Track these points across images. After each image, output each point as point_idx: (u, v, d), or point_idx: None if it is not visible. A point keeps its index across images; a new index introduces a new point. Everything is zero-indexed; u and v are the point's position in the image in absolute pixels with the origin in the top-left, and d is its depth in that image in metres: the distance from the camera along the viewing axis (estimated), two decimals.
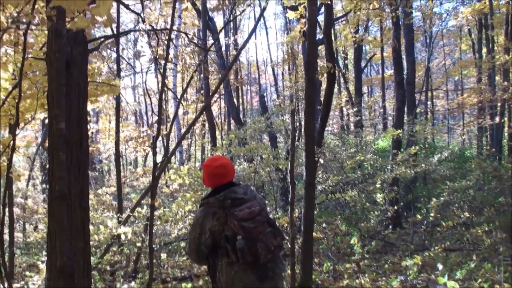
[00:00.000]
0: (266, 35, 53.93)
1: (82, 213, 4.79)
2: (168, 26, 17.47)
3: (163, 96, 23.94)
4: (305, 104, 6.29)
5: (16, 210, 15.71)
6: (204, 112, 18.07)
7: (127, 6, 6.22)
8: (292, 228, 6.10)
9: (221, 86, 17.91)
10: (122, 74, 27.46)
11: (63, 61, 3.82)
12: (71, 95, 4.57)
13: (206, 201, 3.69)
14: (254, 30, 8.31)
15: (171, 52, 17.11)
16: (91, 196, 15.99)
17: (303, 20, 7.94)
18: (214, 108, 29.76)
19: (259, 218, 3.58)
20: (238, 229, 3.46)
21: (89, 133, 23.40)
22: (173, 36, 17.74)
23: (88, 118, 23.44)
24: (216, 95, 27.44)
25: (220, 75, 18.97)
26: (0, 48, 5.52)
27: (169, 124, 24.17)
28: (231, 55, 22.60)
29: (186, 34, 8.43)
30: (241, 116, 23.86)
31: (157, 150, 12.17)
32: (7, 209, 9.47)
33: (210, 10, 8.51)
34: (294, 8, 8.84)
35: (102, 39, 5.68)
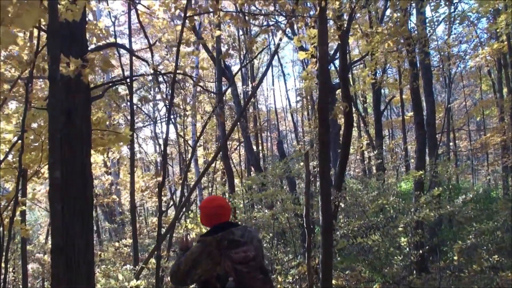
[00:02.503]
0: (284, 82, 54.48)
1: (87, 268, 4.60)
2: (187, 78, 17.71)
3: (184, 146, 24.05)
4: (319, 145, 6.12)
5: (35, 266, 15.55)
6: (223, 161, 17.97)
7: (132, 52, 6.14)
8: (310, 276, 5.84)
9: (240, 134, 17.77)
10: (140, 124, 27.59)
11: (58, 107, 3.69)
12: (72, 143, 4.47)
13: (203, 239, 3.72)
14: (268, 67, 8.23)
15: (188, 101, 17.13)
16: (110, 249, 15.90)
17: (314, 60, 7.84)
18: (235, 156, 29.72)
19: (252, 264, 3.61)
20: (230, 271, 3.51)
21: (107, 184, 23.46)
22: (189, 84, 17.83)
23: (108, 170, 23.32)
24: (236, 143, 27.44)
25: (238, 123, 18.94)
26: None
27: (191, 174, 24.17)
28: (250, 102, 22.67)
29: (191, 77, 8.33)
30: (261, 162, 23.69)
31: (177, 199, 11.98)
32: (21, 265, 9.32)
33: (221, 57, 8.46)
34: (304, 49, 8.78)
35: (107, 86, 5.58)
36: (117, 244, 15.40)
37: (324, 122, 6.13)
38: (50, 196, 4.24)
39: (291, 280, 10.09)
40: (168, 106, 5.78)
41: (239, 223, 12.11)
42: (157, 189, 17.84)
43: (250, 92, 21.48)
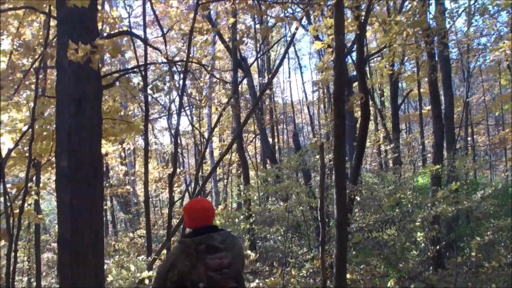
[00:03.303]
0: (301, 74, 54.41)
1: (95, 261, 4.49)
2: (202, 69, 17.63)
3: (200, 138, 24.03)
4: (334, 137, 5.99)
5: (50, 255, 15.60)
6: (238, 152, 17.92)
7: (145, 41, 6.05)
8: (324, 270, 5.73)
9: (256, 126, 17.65)
10: (157, 115, 27.59)
11: (65, 94, 3.61)
12: (82, 132, 4.37)
13: (183, 240, 3.76)
14: (284, 56, 8.10)
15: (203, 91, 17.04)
16: (125, 239, 15.91)
17: (330, 50, 7.70)
18: (250, 148, 29.67)
19: (226, 271, 3.58)
20: (203, 277, 3.50)
21: (121, 175, 23.48)
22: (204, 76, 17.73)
23: (122, 161, 23.26)
24: (252, 135, 27.37)
25: (254, 115, 18.85)
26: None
27: (207, 166, 24.16)
28: (266, 95, 22.57)
29: (204, 66, 8.22)
30: (277, 155, 23.60)
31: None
32: (34, 253, 9.33)
33: (236, 43, 8.37)
34: (320, 39, 8.65)
35: (119, 74, 5.48)
36: (131, 234, 15.39)
37: (339, 114, 6.00)
38: (56, 186, 4.17)
39: (305, 274, 10.00)
40: (180, 95, 5.69)
41: (247, 219, 12.07)
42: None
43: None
